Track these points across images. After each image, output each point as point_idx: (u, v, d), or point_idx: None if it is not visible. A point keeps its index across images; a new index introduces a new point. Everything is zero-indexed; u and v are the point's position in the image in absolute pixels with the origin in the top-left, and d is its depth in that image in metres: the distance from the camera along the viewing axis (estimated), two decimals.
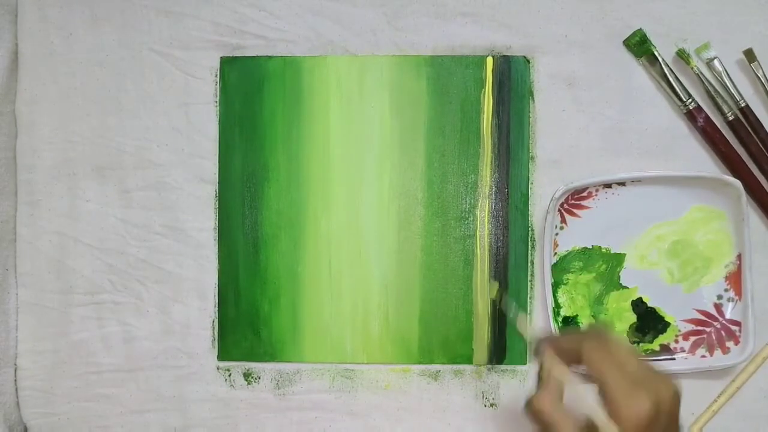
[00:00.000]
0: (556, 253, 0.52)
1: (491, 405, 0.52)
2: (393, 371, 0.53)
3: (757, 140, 0.51)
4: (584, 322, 0.52)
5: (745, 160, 0.51)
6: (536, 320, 0.52)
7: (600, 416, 0.37)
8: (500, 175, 0.52)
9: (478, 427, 0.52)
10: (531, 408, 0.40)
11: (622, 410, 0.36)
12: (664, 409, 0.37)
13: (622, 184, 0.51)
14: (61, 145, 0.53)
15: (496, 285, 0.52)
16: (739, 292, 0.50)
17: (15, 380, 0.53)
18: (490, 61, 0.52)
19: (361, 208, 0.52)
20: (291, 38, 0.52)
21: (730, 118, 0.51)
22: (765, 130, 0.51)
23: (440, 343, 0.52)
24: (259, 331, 0.52)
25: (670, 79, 0.51)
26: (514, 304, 0.51)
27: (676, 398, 0.38)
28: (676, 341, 0.52)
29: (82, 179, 0.53)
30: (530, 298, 0.52)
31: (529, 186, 0.52)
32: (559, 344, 0.41)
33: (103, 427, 0.53)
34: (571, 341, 0.40)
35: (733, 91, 0.51)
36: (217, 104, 0.53)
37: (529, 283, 0.52)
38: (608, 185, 0.51)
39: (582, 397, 0.38)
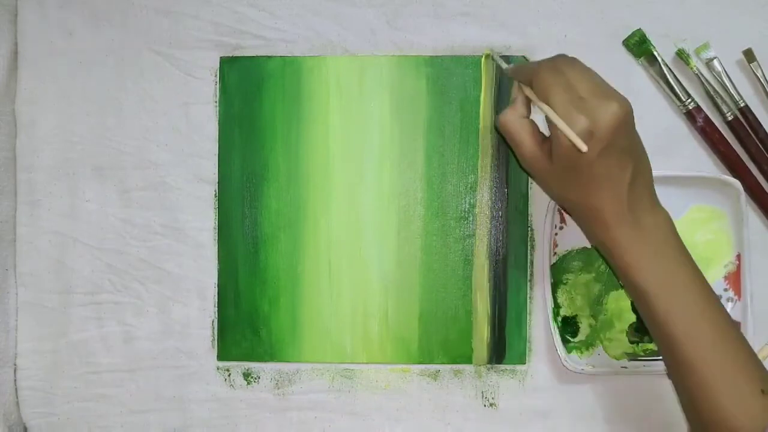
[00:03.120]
0: (555, 253, 0.52)
1: (491, 405, 0.52)
2: (393, 371, 0.53)
3: (756, 140, 0.51)
4: (584, 322, 0.52)
5: (744, 160, 0.51)
6: (536, 320, 0.52)
7: (557, 119, 0.40)
8: (500, 175, 0.52)
9: (478, 427, 0.52)
10: (498, 123, 0.45)
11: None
12: (600, 130, 0.39)
13: None
14: (61, 145, 0.53)
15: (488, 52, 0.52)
16: (738, 292, 0.50)
17: (15, 380, 0.53)
18: (488, 60, 0.52)
19: (361, 208, 0.52)
20: (290, 38, 0.52)
21: (730, 118, 0.51)
22: (764, 130, 0.51)
23: (440, 343, 0.52)
24: (259, 331, 0.52)
25: (670, 79, 0.51)
26: (501, 60, 0.51)
27: (616, 120, 0.40)
28: None
29: (82, 179, 0.53)
30: (530, 298, 0.52)
31: (529, 186, 0.52)
32: (526, 68, 0.45)
33: (103, 427, 0.53)
34: (531, 65, 0.44)
35: (732, 91, 0.51)
36: (217, 104, 0.53)
37: (528, 283, 0.52)
38: None
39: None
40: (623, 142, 0.41)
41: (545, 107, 0.41)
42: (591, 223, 0.44)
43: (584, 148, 0.39)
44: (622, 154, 0.41)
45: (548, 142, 0.43)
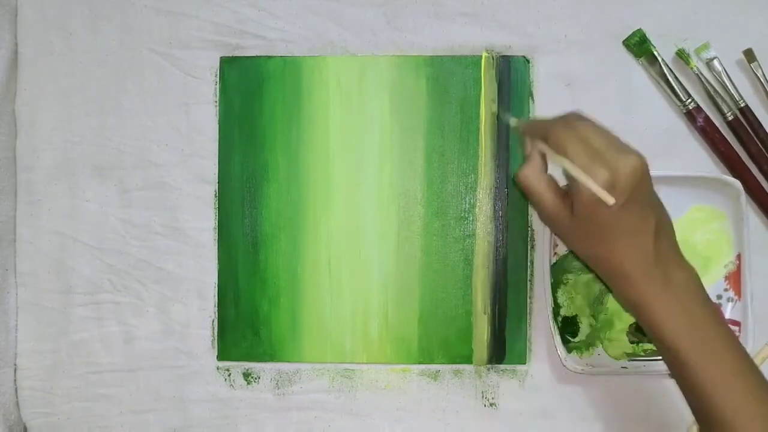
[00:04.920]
0: (555, 253, 0.52)
1: (491, 405, 0.52)
2: (393, 371, 0.53)
3: (756, 140, 0.51)
4: (584, 322, 0.52)
5: (744, 160, 0.51)
6: (536, 320, 0.52)
7: (579, 172, 0.40)
8: (500, 175, 0.52)
9: (478, 427, 0.52)
10: (517, 179, 0.44)
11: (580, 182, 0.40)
12: (622, 182, 0.39)
13: None
14: (61, 145, 0.53)
15: (495, 105, 0.51)
16: (738, 292, 0.50)
17: (15, 380, 0.53)
18: (488, 60, 0.52)
19: (361, 208, 0.52)
20: (291, 38, 0.52)
21: (730, 118, 0.51)
22: (764, 130, 0.51)
23: (440, 343, 0.52)
24: (259, 331, 0.52)
25: (670, 79, 0.51)
26: (509, 115, 0.51)
27: (636, 172, 0.39)
28: None
29: (82, 179, 0.53)
30: (530, 298, 0.52)
31: None
32: (538, 125, 0.44)
33: (103, 427, 0.53)
34: (545, 122, 0.43)
35: (732, 91, 0.51)
36: (217, 104, 0.53)
37: (528, 283, 0.52)
38: None
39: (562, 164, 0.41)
40: (644, 194, 0.41)
41: (565, 161, 0.40)
42: (617, 280, 0.43)
43: (611, 200, 0.39)
44: (643, 206, 0.41)
45: (568, 196, 0.42)
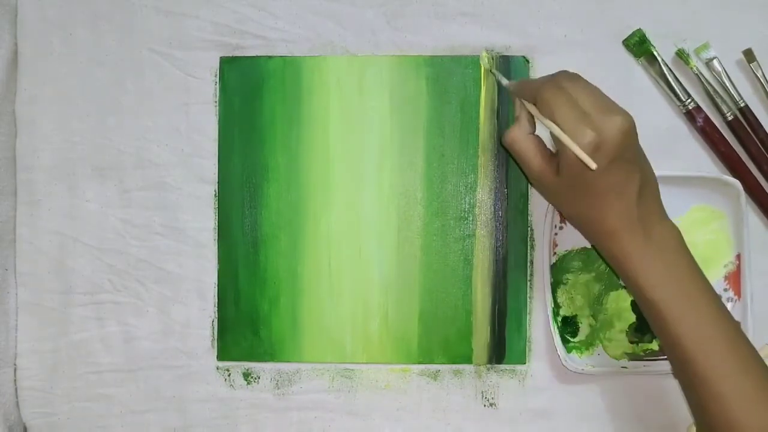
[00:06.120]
0: (555, 253, 0.52)
1: (491, 405, 0.52)
2: (393, 371, 0.53)
3: (756, 140, 0.51)
4: (584, 322, 0.52)
5: (744, 160, 0.51)
6: (536, 320, 0.52)
7: (564, 136, 0.40)
8: (500, 175, 0.52)
9: (478, 427, 0.52)
10: (504, 141, 0.45)
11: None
12: (607, 144, 0.40)
13: None
14: (61, 145, 0.53)
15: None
16: (738, 292, 0.51)
17: (15, 380, 0.53)
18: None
19: (361, 208, 0.52)
20: (291, 38, 0.52)
21: (730, 118, 0.51)
22: (764, 130, 0.51)
23: (440, 343, 0.52)
24: (259, 331, 0.52)
25: (670, 79, 0.51)
26: (503, 78, 0.50)
27: (622, 133, 0.40)
28: None
29: (82, 179, 0.53)
30: (529, 298, 0.52)
31: (529, 186, 0.52)
32: (527, 86, 0.45)
33: (103, 427, 0.53)
34: (535, 82, 0.44)
35: (732, 91, 0.51)
36: (217, 104, 0.53)
37: (528, 283, 0.52)
38: None
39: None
40: (629, 154, 0.41)
41: (551, 125, 0.41)
42: (600, 237, 0.43)
43: (593, 165, 0.39)
44: (628, 166, 0.41)
45: (555, 157, 0.43)
